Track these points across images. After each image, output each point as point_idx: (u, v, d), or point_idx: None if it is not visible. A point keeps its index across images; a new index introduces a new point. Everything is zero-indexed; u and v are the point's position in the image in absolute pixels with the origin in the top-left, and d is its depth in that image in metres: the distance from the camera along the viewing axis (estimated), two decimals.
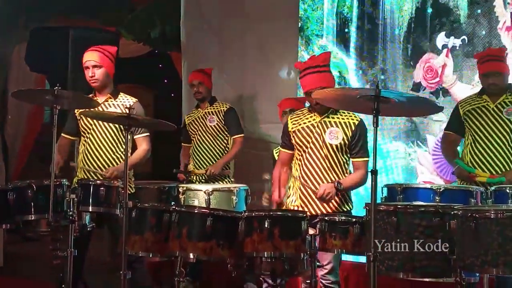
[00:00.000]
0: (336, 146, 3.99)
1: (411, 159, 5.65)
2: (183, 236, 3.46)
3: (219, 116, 5.55)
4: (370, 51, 5.88)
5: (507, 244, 2.75)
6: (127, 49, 8.11)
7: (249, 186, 4.79)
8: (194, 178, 5.47)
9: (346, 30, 5.99)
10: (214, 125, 5.52)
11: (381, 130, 5.61)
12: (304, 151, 4.05)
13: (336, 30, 6.04)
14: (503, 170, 4.39)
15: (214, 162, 5.47)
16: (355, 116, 4.04)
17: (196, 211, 3.58)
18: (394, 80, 5.74)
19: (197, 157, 5.56)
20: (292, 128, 4.11)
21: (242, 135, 5.57)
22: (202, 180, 5.39)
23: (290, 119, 4.17)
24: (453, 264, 2.97)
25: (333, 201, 3.94)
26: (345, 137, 3.99)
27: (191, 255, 3.46)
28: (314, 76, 3.95)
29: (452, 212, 2.97)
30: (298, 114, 4.19)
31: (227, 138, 5.56)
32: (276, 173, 4.16)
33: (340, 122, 4.02)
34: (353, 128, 4.00)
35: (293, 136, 4.09)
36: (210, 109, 5.59)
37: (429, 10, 5.58)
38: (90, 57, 4.56)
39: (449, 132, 4.75)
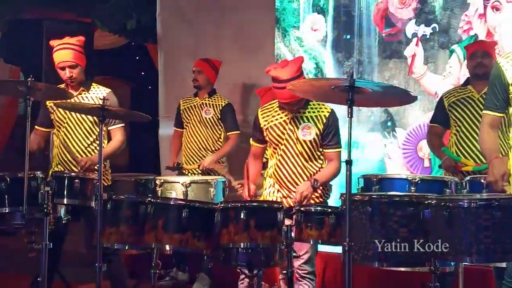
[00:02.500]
0: (310, 141, 3.97)
1: (387, 151, 5.67)
2: (159, 228, 3.45)
3: (216, 109, 5.45)
4: (346, 42, 5.89)
5: (480, 232, 2.77)
6: (103, 41, 8.04)
7: (234, 178, 4.76)
8: (186, 172, 5.40)
9: (322, 21, 5.99)
10: (210, 118, 5.41)
11: (358, 122, 5.64)
12: (279, 148, 4.03)
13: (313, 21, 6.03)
14: None
15: (205, 154, 5.38)
16: (325, 108, 4.01)
17: (172, 203, 3.57)
18: (371, 72, 5.75)
19: (189, 147, 5.49)
20: (264, 125, 4.07)
21: (237, 132, 5.45)
22: (195, 173, 5.32)
23: (261, 114, 4.11)
24: (427, 253, 2.99)
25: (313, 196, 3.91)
26: (317, 131, 3.97)
27: (167, 247, 3.46)
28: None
29: (426, 202, 2.99)
30: (268, 108, 4.12)
31: (220, 132, 5.46)
32: (247, 169, 4.05)
33: (311, 117, 3.99)
34: (324, 120, 3.97)
35: (266, 134, 4.06)
36: (208, 100, 5.49)
37: None
38: (64, 57, 4.46)
39: (434, 125, 4.67)
